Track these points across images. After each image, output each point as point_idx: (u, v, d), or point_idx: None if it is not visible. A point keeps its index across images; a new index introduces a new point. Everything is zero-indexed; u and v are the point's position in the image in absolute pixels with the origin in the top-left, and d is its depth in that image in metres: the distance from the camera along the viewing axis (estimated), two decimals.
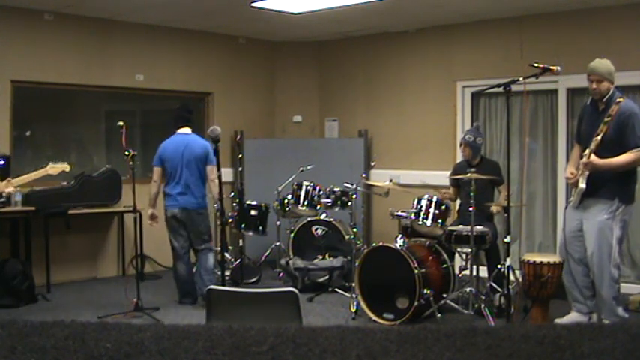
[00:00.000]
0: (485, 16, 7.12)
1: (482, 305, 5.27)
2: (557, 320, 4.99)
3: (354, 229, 6.16)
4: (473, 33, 7.41)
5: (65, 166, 5.47)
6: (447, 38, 7.62)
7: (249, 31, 8.23)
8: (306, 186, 6.98)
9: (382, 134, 8.20)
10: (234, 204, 7.34)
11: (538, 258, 5.26)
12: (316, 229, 7.05)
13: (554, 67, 4.68)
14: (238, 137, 8.20)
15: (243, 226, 6.77)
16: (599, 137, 4.70)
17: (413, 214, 5.65)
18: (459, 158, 6.69)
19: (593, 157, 4.68)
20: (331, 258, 6.73)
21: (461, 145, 6.16)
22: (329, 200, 6.79)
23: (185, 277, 6.07)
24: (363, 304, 5.51)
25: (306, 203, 6.93)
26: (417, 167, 7.75)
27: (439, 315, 5.30)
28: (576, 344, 0.79)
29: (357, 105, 8.49)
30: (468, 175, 5.51)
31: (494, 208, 5.84)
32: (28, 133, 7.31)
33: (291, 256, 6.87)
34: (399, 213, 5.71)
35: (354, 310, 5.60)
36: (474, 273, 5.53)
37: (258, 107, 8.72)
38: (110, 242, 7.48)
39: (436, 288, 5.41)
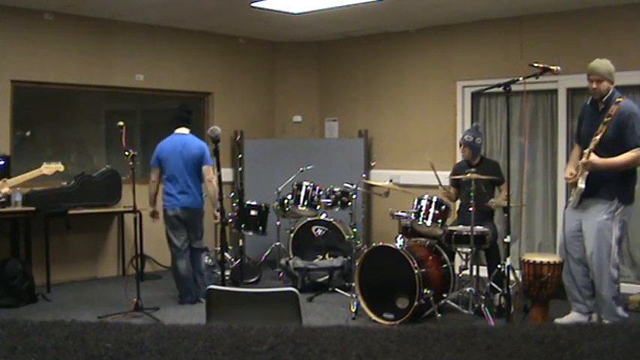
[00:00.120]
0: (485, 16, 7.12)
1: (483, 305, 5.27)
2: (557, 320, 4.99)
3: (354, 229, 6.16)
4: (473, 33, 7.41)
5: (59, 166, 5.49)
6: (447, 38, 7.62)
7: (249, 31, 8.23)
8: (306, 186, 6.98)
9: (382, 134, 8.20)
10: (234, 204, 7.34)
11: (538, 258, 5.26)
12: (316, 229, 7.05)
13: (554, 67, 4.68)
14: (238, 137, 8.20)
15: (243, 226, 6.77)
16: (598, 137, 4.70)
17: (413, 214, 5.65)
18: (459, 158, 6.69)
19: (592, 157, 4.68)
20: (331, 258, 6.73)
21: (460, 145, 6.16)
22: (329, 200, 6.79)
23: (186, 275, 6.09)
24: (363, 304, 5.51)
25: (306, 203, 6.93)
26: (417, 167, 7.74)
27: (439, 315, 5.30)
28: (576, 344, 0.79)
29: (357, 105, 8.49)
30: (468, 175, 5.51)
31: (493, 203, 5.84)
32: (28, 133, 7.31)
33: (291, 256, 6.87)
34: (399, 213, 5.71)
35: (354, 310, 5.60)
36: (474, 273, 5.53)
37: (258, 107, 8.72)
38: (110, 242, 7.48)
39: (436, 288, 5.41)
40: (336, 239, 6.95)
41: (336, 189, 6.82)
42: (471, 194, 5.35)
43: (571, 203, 5.03)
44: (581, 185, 4.79)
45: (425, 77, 7.82)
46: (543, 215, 7.12)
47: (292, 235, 7.09)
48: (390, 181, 6.27)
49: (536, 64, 4.72)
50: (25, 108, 7.06)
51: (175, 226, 6.05)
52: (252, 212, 7.09)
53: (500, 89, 4.84)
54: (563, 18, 6.72)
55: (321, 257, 6.78)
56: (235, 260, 6.87)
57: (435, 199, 5.66)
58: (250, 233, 7.06)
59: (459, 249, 5.76)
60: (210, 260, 7.07)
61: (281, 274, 6.89)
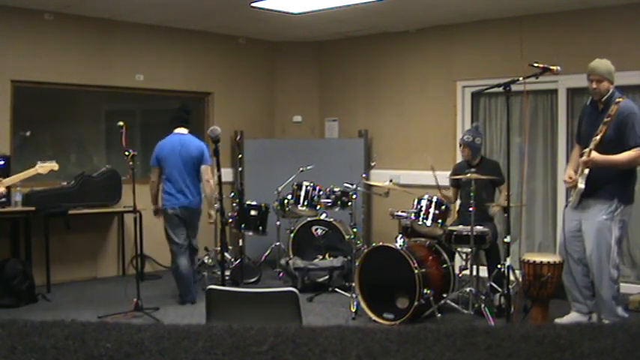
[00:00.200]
0: (485, 16, 7.12)
1: (483, 305, 5.27)
2: (557, 320, 4.99)
3: (354, 229, 6.16)
4: (473, 33, 7.41)
5: (54, 165, 5.50)
6: (447, 38, 7.62)
7: (249, 31, 8.23)
8: (306, 186, 6.98)
9: (382, 134, 8.20)
10: (234, 204, 7.34)
11: (538, 258, 5.26)
12: (316, 229, 7.05)
13: (554, 67, 4.68)
14: (238, 137, 8.20)
15: (243, 226, 6.77)
16: (598, 137, 4.70)
17: (413, 214, 5.65)
18: (459, 158, 6.69)
19: (593, 153, 4.67)
20: (331, 258, 6.74)
21: (460, 145, 6.16)
22: (329, 200, 6.79)
23: (187, 273, 6.13)
24: (363, 304, 5.51)
25: (306, 203, 6.93)
26: (417, 167, 7.74)
27: (439, 315, 5.30)
28: (576, 344, 0.79)
29: (357, 105, 8.49)
30: (468, 175, 5.51)
31: (493, 209, 5.85)
32: (28, 133, 7.31)
33: (291, 256, 6.87)
34: (399, 213, 5.71)
35: (354, 310, 5.60)
36: (474, 273, 5.53)
37: (258, 107, 8.72)
38: (110, 242, 7.48)
39: (436, 288, 5.41)
40: (336, 239, 6.95)
41: (336, 189, 6.82)
42: (471, 194, 5.35)
43: (571, 203, 5.03)
44: (581, 185, 4.79)
45: (425, 77, 7.82)
46: (543, 215, 7.12)
47: (292, 235, 7.09)
48: (390, 181, 6.27)
49: (536, 64, 4.72)
50: (25, 108, 7.06)
51: (175, 225, 6.09)
52: (252, 212, 7.09)
53: (500, 89, 4.84)
54: (563, 18, 6.72)
55: (321, 257, 6.78)
56: (235, 260, 6.87)
57: (435, 199, 5.66)
58: (250, 233, 7.06)
59: (459, 249, 5.76)
60: (210, 260, 7.08)
61: (281, 274, 6.90)
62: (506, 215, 4.94)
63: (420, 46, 7.87)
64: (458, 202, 6.30)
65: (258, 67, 8.70)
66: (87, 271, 7.26)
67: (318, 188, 6.99)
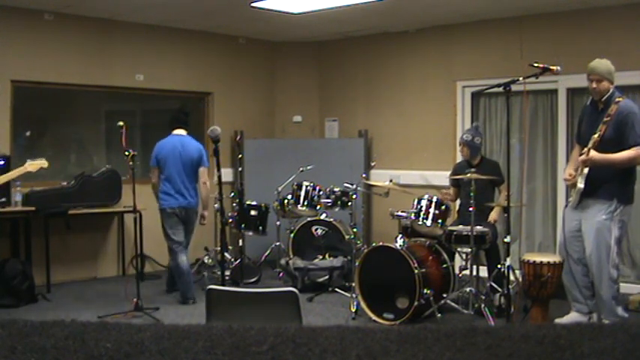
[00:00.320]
0: (485, 16, 7.12)
1: (483, 305, 5.27)
2: (557, 320, 4.99)
3: (354, 229, 6.16)
4: (473, 33, 7.41)
5: (43, 163, 5.50)
6: (447, 38, 7.62)
7: (249, 31, 8.23)
8: (306, 186, 6.98)
9: (382, 134, 8.20)
10: (234, 204, 7.34)
11: (538, 258, 5.26)
12: (316, 229, 7.05)
13: (554, 67, 4.68)
14: (238, 137, 8.20)
15: (243, 226, 6.77)
16: (596, 135, 4.70)
17: (413, 214, 5.65)
18: (459, 158, 6.69)
19: (592, 152, 4.67)
20: (331, 258, 6.73)
21: (460, 144, 6.17)
22: (329, 200, 6.79)
23: (188, 269, 6.18)
24: (363, 304, 5.51)
25: (306, 203, 6.93)
26: (417, 167, 7.75)
27: (439, 315, 5.30)
28: (576, 344, 0.79)
29: (357, 105, 8.49)
30: (468, 175, 5.51)
31: (492, 216, 5.87)
32: (28, 133, 7.31)
33: (291, 256, 6.87)
34: (399, 213, 5.71)
35: (354, 310, 5.59)
36: (474, 273, 5.53)
37: (258, 107, 8.72)
38: (110, 242, 7.48)
39: (436, 288, 5.41)
40: (336, 239, 6.95)
41: (336, 189, 6.82)
42: (471, 194, 5.35)
43: (571, 203, 5.03)
44: (581, 185, 4.80)
45: (425, 77, 7.82)
46: (543, 215, 7.12)
47: (292, 235, 7.09)
48: (390, 181, 6.27)
49: (536, 64, 4.72)
50: (25, 108, 7.06)
51: (175, 223, 6.15)
52: (252, 212, 7.09)
53: (500, 89, 4.84)
54: (563, 18, 6.72)
55: (321, 257, 6.78)
56: (235, 260, 6.87)
57: (435, 199, 5.66)
58: (250, 233, 7.06)
59: (459, 249, 5.76)
60: (210, 260, 7.09)
61: (281, 274, 6.89)
62: (506, 215, 4.94)
63: (420, 46, 7.87)
64: (458, 201, 6.30)
65: (258, 67, 8.70)
66: (87, 271, 7.26)
67: (318, 188, 6.99)
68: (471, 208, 5.33)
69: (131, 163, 5.56)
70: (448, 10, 6.92)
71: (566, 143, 6.76)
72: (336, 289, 6.40)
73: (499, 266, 5.52)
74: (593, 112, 4.90)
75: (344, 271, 6.60)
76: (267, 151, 8.28)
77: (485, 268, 5.86)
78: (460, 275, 5.82)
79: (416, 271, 5.22)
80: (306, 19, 7.23)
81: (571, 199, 5.03)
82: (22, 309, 5.91)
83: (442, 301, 5.45)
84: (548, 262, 5.16)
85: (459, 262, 5.88)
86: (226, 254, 6.22)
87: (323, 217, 7.06)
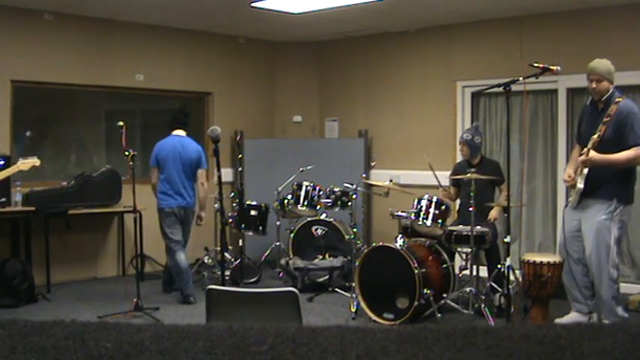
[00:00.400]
0: (485, 16, 7.12)
1: (483, 305, 5.27)
2: (557, 320, 4.99)
3: (354, 229, 6.16)
4: (473, 33, 7.41)
5: (35, 161, 5.50)
6: (447, 38, 7.62)
7: (249, 31, 8.23)
8: (306, 186, 6.98)
9: (382, 134, 8.20)
10: (234, 204, 7.34)
11: (538, 258, 5.26)
12: (316, 229, 7.05)
13: (554, 67, 4.68)
14: (238, 137, 8.20)
15: (243, 226, 6.78)
16: (595, 136, 4.70)
17: (413, 214, 5.65)
18: (459, 158, 6.69)
19: (592, 153, 4.67)
20: (331, 258, 6.73)
21: (460, 143, 6.17)
22: (329, 200, 6.79)
23: (186, 267, 6.21)
24: (363, 304, 5.51)
25: (306, 203, 6.93)
26: (417, 167, 7.74)
27: (439, 315, 5.30)
28: (576, 344, 0.79)
29: (357, 105, 8.49)
30: (468, 175, 5.51)
31: (492, 214, 5.86)
32: (28, 133, 7.31)
33: (291, 256, 6.87)
34: (399, 213, 5.71)
35: (354, 310, 5.59)
36: (474, 273, 5.53)
37: (258, 107, 8.72)
38: (110, 242, 7.48)
39: (436, 288, 5.41)
40: (336, 239, 6.95)
41: (336, 189, 6.82)
42: (471, 194, 5.35)
43: (570, 203, 5.03)
44: (580, 185, 4.79)
45: (425, 77, 7.82)
46: (543, 215, 7.12)
47: (292, 235, 7.09)
48: (390, 181, 6.27)
49: (536, 64, 4.72)
50: (25, 108, 7.06)
51: (173, 223, 6.19)
52: (252, 212, 7.09)
53: (500, 89, 4.84)
54: (563, 18, 6.72)
55: (321, 257, 6.78)
56: (235, 260, 6.87)
57: (435, 199, 5.66)
58: (250, 233, 7.07)
59: (459, 249, 5.76)
60: (210, 260, 7.09)
61: (281, 274, 6.89)
62: (506, 215, 4.94)
63: (420, 46, 7.87)
64: (458, 201, 6.30)
65: (258, 67, 8.70)
66: (87, 271, 7.26)
67: (318, 188, 6.99)
68: (471, 208, 5.33)
69: (131, 163, 5.56)
70: (448, 10, 6.92)
71: (566, 143, 6.76)
72: (336, 289, 6.40)
73: (499, 266, 5.52)
74: (593, 112, 4.90)
75: (344, 271, 6.60)
76: (267, 151, 8.28)
77: (486, 268, 5.86)
78: (460, 275, 5.82)
79: (416, 271, 5.22)
80: (306, 19, 7.23)
81: (571, 199, 5.03)
82: (22, 309, 5.91)
83: (442, 301, 5.45)
84: (548, 262, 5.16)
85: (459, 262, 5.88)
86: (226, 254, 6.23)
87: (323, 217, 7.06)
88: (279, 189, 7.11)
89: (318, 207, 6.94)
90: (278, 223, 7.31)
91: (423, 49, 7.85)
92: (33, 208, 6.45)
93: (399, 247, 5.39)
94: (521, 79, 4.79)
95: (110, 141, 7.74)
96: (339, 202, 6.78)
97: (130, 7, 6.78)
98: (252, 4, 6.58)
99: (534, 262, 5.20)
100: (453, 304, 5.47)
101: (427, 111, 7.80)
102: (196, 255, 7.48)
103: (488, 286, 5.66)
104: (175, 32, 7.80)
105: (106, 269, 7.42)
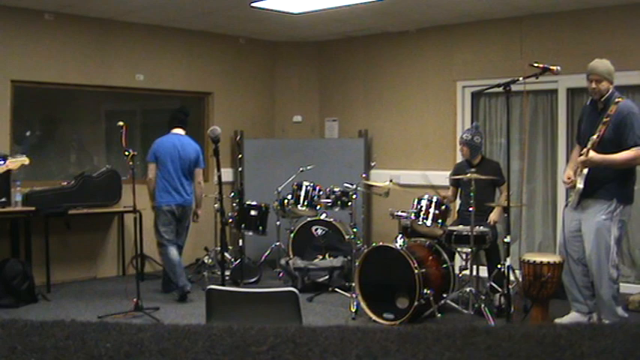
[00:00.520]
0: (485, 16, 7.12)
1: (483, 305, 5.27)
2: (557, 320, 4.99)
3: (354, 229, 6.16)
4: (473, 33, 7.41)
5: (24, 160, 5.49)
6: (447, 38, 7.61)
7: (249, 31, 8.23)
8: (306, 186, 6.98)
9: (382, 134, 8.20)
10: (234, 204, 7.34)
11: (538, 258, 5.26)
12: (316, 229, 7.05)
13: (554, 67, 4.68)
14: (238, 137, 8.20)
15: (243, 226, 6.78)
16: (595, 136, 4.70)
17: (413, 214, 5.65)
18: (459, 158, 6.69)
19: (591, 153, 4.67)
20: (331, 258, 6.73)
21: (460, 144, 6.17)
22: (329, 200, 6.79)
23: (179, 261, 6.28)
24: (363, 304, 5.51)
25: (306, 203, 6.93)
26: (417, 167, 7.75)
27: (439, 315, 5.30)
28: (576, 344, 0.79)
29: (357, 105, 8.49)
30: (468, 175, 5.51)
31: (492, 218, 5.86)
32: (28, 133, 7.31)
33: (291, 256, 6.87)
34: (399, 213, 5.71)
35: (354, 310, 5.59)
36: (474, 273, 5.53)
37: (258, 107, 8.72)
38: (110, 242, 7.48)
39: (436, 288, 5.41)
40: (336, 239, 6.95)
41: (336, 189, 6.82)
42: (471, 194, 5.35)
43: (570, 203, 5.03)
44: (580, 185, 4.79)
45: (425, 77, 7.82)
46: (543, 215, 7.12)
47: (292, 235, 7.10)
48: (390, 181, 6.26)
49: (536, 64, 4.72)
50: (25, 108, 7.06)
51: (169, 222, 6.27)
52: (252, 212, 7.09)
53: (500, 89, 4.84)
54: (563, 18, 6.72)
55: (321, 257, 6.78)
56: (235, 260, 6.87)
57: (435, 199, 5.66)
58: (250, 233, 7.06)
59: (459, 249, 5.76)
60: (210, 260, 7.09)
61: (281, 274, 6.89)
62: (506, 215, 4.94)
63: (420, 46, 7.87)
64: (458, 201, 6.30)
65: (258, 67, 8.70)
66: (87, 271, 7.26)
67: (318, 188, 6.99)
68: (470, 208, 5.33)
69: (131, 163, 5.57)
70: (448, 10, 6.92)
71: (566, 143, 6.76)
72: (336, 289, 6.40)
73: (499, 266, 5.52)
74: (593, 112, 4.90)
75: (344, 271, 6.60)
76: (267, 151, 8.28)
77: (486, 268, 5.86)
78: (460, 275, 5.82)
79: (416, 271, 5.22)
80: (306, 19, 7.23)
81: (570, 200, 5.03)
82: (22, 309, 5.91)
83: (442, 301, 5.45)
84: (548, 262, 5.16)
85: (459, 262, 5.88)
86: (226, 254, 6.24)
87: (323, 217, 7.06)
88: (279, 189, 7.11)
89: (318, 207, 6.94)
90: (278, 223, 7.31)
91: (423, 49, 7.85)
92: (33, 208, 6.45)
93: (399, 247, 5.39)
94: (521, 79, 4.79)
95: (110, 141, 7.74)
96: (339, 202, 6.78)
97: (130, 7, 6.78)
98: (252, 4, 6.58)
99: (534, 262, 5.20)
100: (453, 304, 5.47)
101: (427, 111, 7.80)
102: (196, 255, 7.49)
103: (488, 286, 5.66)
104: (175, 32, 7.80)
105: (106, 269, 7.42)
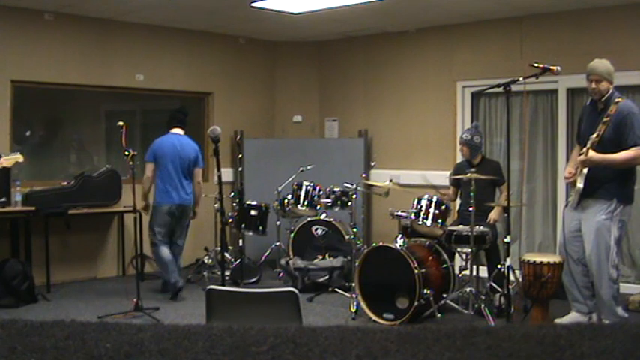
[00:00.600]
0: (485, 16, 7.11)
1: (483, 305, 5.27)
2: (557, 320, 4.99)
3: (354, 229, 6.15)
4: (473, 33, 7.41)
5: (18, 157, 5.49)
6: (447, 38, 7.61)
7: (249, 31, 8.23)
8: (306, 186, 6.98)
9: (382, 134, 8.20)
10: (234, 204, 7.34)
11: (538, 258, 5.26)
12: (316, 229, 7.05)
13: (554, 67, 4.68)
14: (238, 137, 8.20)
15: (243, 226, 6.78)
16: (594, 135, 4.70)
17: (413, 214, 5.65)
18: (459, 158, 6.69)
19: (591, 153, 4.67)
20: (331, 258, 6.73)
21: (460, 144, 6.17)
22: (329, 200, 6.79)
23: (171, 258, 6.31)
24: (363, 304, 5.51)
25: (306, 203, 6.93)
26: (417, 167, 7.75)
27: (439, 315, 5.30)
28: (576, 344, 0.79)
29: (357, 105, 8.49)
30: (468, 175, 5.51)
31: (491, 217, 5.86)
32: (28, 133, 7.31)
33: (291, 256, 6.87)
34: (399, 213, 5.71)
35: (354, 310, 5.59)
36: (474, 273, 5.53)
37: (258, 107, 8.72)
38: (110, 242, 7.48)
39: (436, 288, 5.41)
40: (336, 239, 6.95)
41: (336, 189, 6.82)
42: (471, 194, 5.35)
43: (570, 203, 5.03)
44: (580, 185, 4.79)
45: (425, 77, 7.82)
46: (543, 215, 7.12)
47: (292, 235, 7.09)
48: (390, 181, 6.26)
49: (536, 64, 4.72)
50: (25, 108, 7.06)
51: (165, 222, 6.32)
52: (252, 212, 7.09)
53: (500, 89, 4.84)
54: (563, 18, 6.71)
55: (321, 257, 6.78)
56: (235, 260, 6.87)
57: (435, 199, 5.66)
58: (250, 233, 7.06)
59: (458, 249, 5.76)
60: (210, 260, 7.09)
61: (281, 274, 6.89)
62: (506, 215, 4.94)
63: (420, 46, 7.87)
64: (458, 201, 6.30)
65: (258, 67, 8.70)
66: (87, 271, 7.26)
67: (318, 188, 6.99)
68: (470, 208, 5.33)
69: (131, 163, 5.57)
70: (448, 10, 6.92)
71: (566, 143, 6.76)
72: (336, 289, 6.40)
73: (499, 266, 5.52)
74: (593, 112, 4.90)
75: (344, 271, 6.59)
76: (267, 151, 8.28)
77: (486, 268, 5.86)
78: (460, 275, 5.82)
79: (416, 271, 5.22)
80: (306, 19, 7.23)
81: (570, 200, 5.03)
82: (22, 309, 5.91)
83: (442, 301, 5.44)
84: (548, 262, 5.16)
85: (459, 262, 5.88)
86: (226, 254, 6.24)
87: (323, 217, 7.06)
88: (279, 189, 7.11)
89: (318, 207, 6.94)
90: (278, 223, 7.31)
91: (423, 49, 7.85)
92: (33, 208, 6.45)
93: (399, 247, 5.39)
94: (521, 79, 4.79)
95: (110, 141, 7.74)
96: (339, 202, 6.78)
97: (130, 7, 6.78)
98: (252, 4, 6.58)
99: (534, 262, 5.20)
100: (453, 304, 5.47)
101: (427, 111, 7.79)
102: (196, 255, 7.48)
103: (488, 286, 5.66)
104: (175, 32, 7.80)
105: (106, 269, 7.42)
